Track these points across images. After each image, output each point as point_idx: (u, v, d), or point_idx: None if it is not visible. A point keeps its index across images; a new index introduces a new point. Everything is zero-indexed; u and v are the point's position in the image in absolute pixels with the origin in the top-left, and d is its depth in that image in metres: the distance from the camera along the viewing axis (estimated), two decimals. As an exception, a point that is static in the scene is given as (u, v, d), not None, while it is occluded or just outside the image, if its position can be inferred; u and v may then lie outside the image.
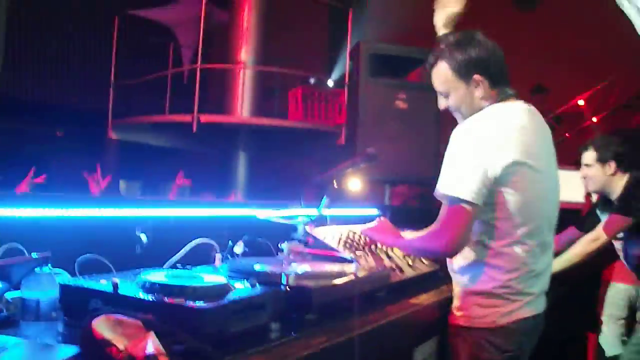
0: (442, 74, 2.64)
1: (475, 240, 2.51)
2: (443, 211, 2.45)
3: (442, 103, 2.70)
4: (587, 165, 4.17)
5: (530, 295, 2.54)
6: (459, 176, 2.40)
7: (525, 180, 2.47)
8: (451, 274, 2.71)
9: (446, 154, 2.48)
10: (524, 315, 2.53)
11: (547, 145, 2.70)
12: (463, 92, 2.61)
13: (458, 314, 2.63)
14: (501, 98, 2.61)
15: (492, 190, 2.43)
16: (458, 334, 2.61)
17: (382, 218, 3.09)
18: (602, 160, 4.11)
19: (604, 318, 5.12)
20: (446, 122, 2.74)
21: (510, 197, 2.45)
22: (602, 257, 4.58)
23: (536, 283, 2.57)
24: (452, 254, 2.54)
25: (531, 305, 2.55)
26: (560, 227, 4.65)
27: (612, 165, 4.09)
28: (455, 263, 2.64)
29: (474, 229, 2.46)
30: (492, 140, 2.44)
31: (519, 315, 2.52)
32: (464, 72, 2.59)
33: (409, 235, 2.88)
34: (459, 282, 2.65)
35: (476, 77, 2.58)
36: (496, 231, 2.49)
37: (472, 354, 2.55)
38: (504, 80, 2.64)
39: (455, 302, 2.66)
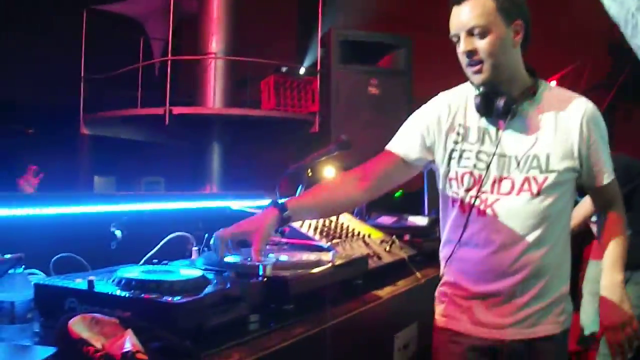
0: (483, 5, 2.21)
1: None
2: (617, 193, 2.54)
3: (468, 44, 2.25)
4: None
5: None
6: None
7: None
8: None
9: (601, 136, 2.37)
10: None
11: None
12: (504, 34, 2.23)
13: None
14: (539, 78, 2.42)
15: None
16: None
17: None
18: None
19: (585, 295, 5.15)
20: (418, 106, 2.64)
21: None
22: (583, 237, 4.62)
23: None
24: None
25: None
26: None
27: None
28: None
29: None
30: None
31: None
32: (508, 11, 2.23)
33: None
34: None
35: (519, 22, 2.26)
36: None
37: None
38: (527, 49, 2.37)
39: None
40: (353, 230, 3.27)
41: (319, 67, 8.64)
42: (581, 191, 4.33)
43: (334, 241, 2.99)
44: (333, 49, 6.45)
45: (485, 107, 2.33)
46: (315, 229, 3.08)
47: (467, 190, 2.38)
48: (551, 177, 2.30)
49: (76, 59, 9.49)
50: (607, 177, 2.39)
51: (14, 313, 1.89)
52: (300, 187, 3.13)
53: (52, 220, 2.61)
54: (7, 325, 1.86)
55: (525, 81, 2.37)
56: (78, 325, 1.59)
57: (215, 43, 9.21)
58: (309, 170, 3.11)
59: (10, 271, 1.91)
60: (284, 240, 2.96)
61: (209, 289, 1.90)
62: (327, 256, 2.58)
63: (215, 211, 3.48)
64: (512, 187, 2.33)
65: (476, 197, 2.36)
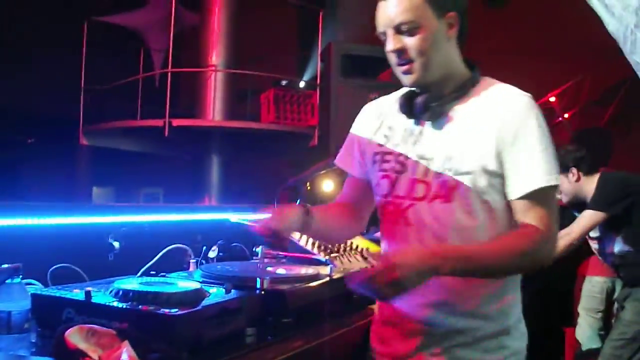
0: None
1: None
2: (548, 205, 1.97)
3: (396, 42, 1.99)
4: None
5: None
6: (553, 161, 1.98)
7: None
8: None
9: (530, 135, 1.95)
10: None
11: None
12: (435, 28, 1.98)
13: None
14: (478, 72, 2.11)
15: None
16: None
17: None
18: (563, 170, 4.21)
19: (580, 311, 5.15)
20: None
21: None
22: (578, 253, 4.62)
23: None
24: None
25: None
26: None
27: (574, 172, 4.22)
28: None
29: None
30: None
31: None
32: (439, 3, 1.98)
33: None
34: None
35: (452, 14, 2.00)
36: None
37: None
38: (464, 42, 2.11)
39: None
40: (351, 244, 3.26)
41: (318, 81, 8.67)
42: (577, 207, 4.34)
43: (332, 255, 2.98)
44: (333, 62, 6.46)
45: (407, 107, 2.10)
46: (314, 243, 3.08)
47: (385, 195, 2.13)
48: (465, 181, 1.97)
49: (76, 69, 9.51)
50: (531, 183, 1.93)
51: (11, 323, 1.89)
52: (299, 200, 3.13)
53: (50, 230, 2.61)
54: (4, 335, 1.86)
55: (462, 77, 2.08)
56: (75, 336, 1.58)
57: (216, 56, 9.24)
58: (308, 184, 3.10)
59: (7, 281, 1.91)
60: (283, 253, 2.96)
61: (206, 302, 1.89)
62: (325, 270, 2.57)
63: (214, 224, 3.48)
64: (427, 192, 2.02)
65: (389, 202, 2.11)
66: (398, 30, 1.98)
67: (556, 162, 1.97)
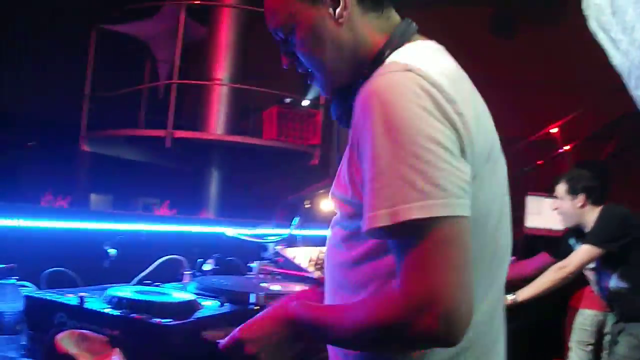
0: None
1: None
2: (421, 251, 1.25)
3: (285, 55, 1.62)
4: (557, 197, 4.25)
5: None
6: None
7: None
8: None
9: (377, 135, 1.30)
10: None
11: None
12: (312, 19, 1.50)
13: None
14: (404, 32, 1.52)
15: None
16: None
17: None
18: (572, 192, 4.20)
19: (571, 344, 5.14)
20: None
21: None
22: (570, 284, 4.61)
23: None
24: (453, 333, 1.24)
25: None
26: (533, 252, 4.65)
27: (581, 198, 4.16)
28: None
29: None
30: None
31: None
32: None
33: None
34: None
35: None
36: None
37: None
38: (380, 10, 1.53)
39: None
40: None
41: (322, 100, 8.68)
42: (574, 233, 4.31)
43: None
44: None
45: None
46: (309, 261, 3.07)
47: None
48: (335, 207, 1.54)
49: (81, 75, 9.52)
50: (373, 219, 1.27)
51: (3, 323, 1.88)
52: (296, 218, 3.12)
53: (46, 233, 2.61)
54: (-5, 336, 1.86)
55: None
56: (66, 341, 1.58)
57: (221, 70, 9.24)
58: (307, 202, 3.10)
59: (1, 281, 1.91)
60: (278, 270, 2.96)
61: (199, 313, 1.89)
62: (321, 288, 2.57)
63: (211, 236, 3.48)
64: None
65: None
66: (282, 40, 1.59)
67: (424, 176, 1.24)
